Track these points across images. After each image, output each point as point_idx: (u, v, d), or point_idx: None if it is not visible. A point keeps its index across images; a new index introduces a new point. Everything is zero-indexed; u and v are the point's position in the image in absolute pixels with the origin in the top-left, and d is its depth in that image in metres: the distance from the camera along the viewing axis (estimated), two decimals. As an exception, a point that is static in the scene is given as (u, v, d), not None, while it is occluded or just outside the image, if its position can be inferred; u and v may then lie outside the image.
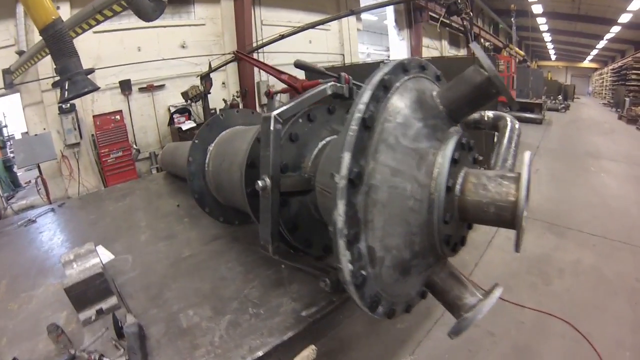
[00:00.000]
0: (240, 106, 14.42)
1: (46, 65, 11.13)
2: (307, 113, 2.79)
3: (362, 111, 1.66)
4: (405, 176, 1.77)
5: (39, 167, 10.94)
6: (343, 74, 3.13)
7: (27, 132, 12.11)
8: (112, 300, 3.19)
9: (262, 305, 3.07)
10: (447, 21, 22.94)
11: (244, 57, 7.95)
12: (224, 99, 14.28)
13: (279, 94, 9.67)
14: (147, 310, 3.24)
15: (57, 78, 4.78)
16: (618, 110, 22.66)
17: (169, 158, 8.89)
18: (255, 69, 14.70)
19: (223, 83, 14.97)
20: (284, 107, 2.48)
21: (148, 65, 13.30)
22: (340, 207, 1.60)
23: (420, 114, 1.92)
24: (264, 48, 14.14)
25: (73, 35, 7.87)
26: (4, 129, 15.56)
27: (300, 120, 2.77)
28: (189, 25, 14.29)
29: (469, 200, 1.82)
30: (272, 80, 15.80)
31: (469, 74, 1.93)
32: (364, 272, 1.68)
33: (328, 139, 2.85)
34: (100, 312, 3.05)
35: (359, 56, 19.32)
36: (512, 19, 22.04)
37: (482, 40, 24.12)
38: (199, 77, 12.73)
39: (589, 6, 23.81)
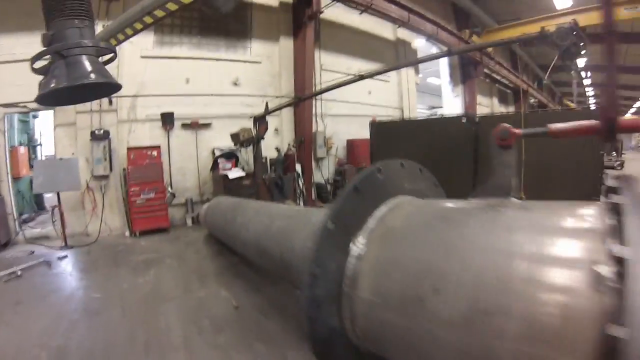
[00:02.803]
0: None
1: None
2: None
3: None
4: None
5: (58, 195, 8.97)
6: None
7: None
8: None
9: None
10: (498, 77, 21.06)
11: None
12: (276, 148, 11.98)
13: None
14: None
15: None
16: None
17: (220, 220, 6.39)
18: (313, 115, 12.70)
19: (276, 129, 12.64)
20: None
21: (195, 100, 11.28)
22: None
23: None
24: (322, 94, 12.07)
25: (114, 42, 5.79)
26: (39, 148, 13.60)
27: None
28: (244, 61, 12.23)
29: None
30: (330, 131, 13.65)
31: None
32: None
33: None
34: None
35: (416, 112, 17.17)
36: (573, 72, 19.80)
37: (529, 97, 22.13)
38: (251, 119, 10.52)
39: (635, 57, 21.20)
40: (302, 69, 12.30)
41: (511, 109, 24.12)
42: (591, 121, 2.67)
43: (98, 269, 5.66)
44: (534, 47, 20.12)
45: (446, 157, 8.89)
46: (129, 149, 10.06)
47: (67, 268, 5.86)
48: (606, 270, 1.50)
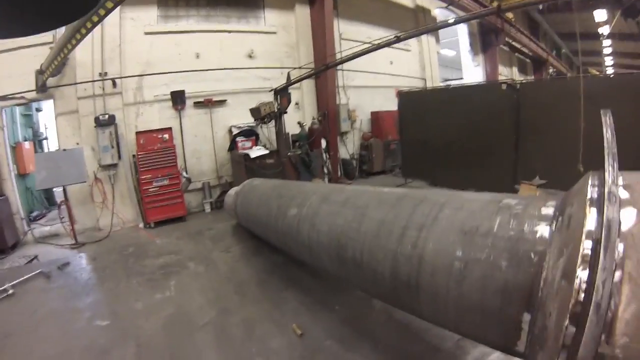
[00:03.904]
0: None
1: (85, 67, 8.43)
2: None
3: None
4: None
5: (64, 190, 7.85)
6: None
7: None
8: None
9: None
10: (518, 46, 19.44)
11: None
12: (299, 122, 10.50)
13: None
14: None
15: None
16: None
17: (260, 210, 4.74)
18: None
19: (297, 103, 11.07)
20: None
21: (207, 76, 9.72)
22: None
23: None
24: (343, 65, 10.60)
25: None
26: (45, 142, 12.30)
27: None
28: (258, 32, 10.61)
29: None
30: (353, 104, 12.18)
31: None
32: None
33: None
34: None
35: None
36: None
37: (549, 66, 20.48)
38: (269, 93, 9.05)
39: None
40: (322, 38, 10.69)
41: (530, 78, 22.37)
42: None
43: (105, 282, 4.29)
44: (559, 13, 18.41)
45: (484, 126, 8.12)
46: (137, 133, 8.75)
47: (69, 281, 4.50)
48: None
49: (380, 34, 12.10)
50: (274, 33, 10.89)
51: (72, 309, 3.70)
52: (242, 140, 9.28)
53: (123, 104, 8.91)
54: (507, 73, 20.18)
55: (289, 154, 9.28)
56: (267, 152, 8.73)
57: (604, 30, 20.17)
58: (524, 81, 8.90)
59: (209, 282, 4.10)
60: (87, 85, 8.42)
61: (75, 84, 8.36)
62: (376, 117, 12.68)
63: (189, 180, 9.14)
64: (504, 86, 7.82)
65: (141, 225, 8.66)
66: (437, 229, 2.19)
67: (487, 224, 2.03)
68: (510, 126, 7.64)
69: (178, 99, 9.39)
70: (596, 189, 1.58)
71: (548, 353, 1.55)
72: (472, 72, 18.46)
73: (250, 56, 10.40)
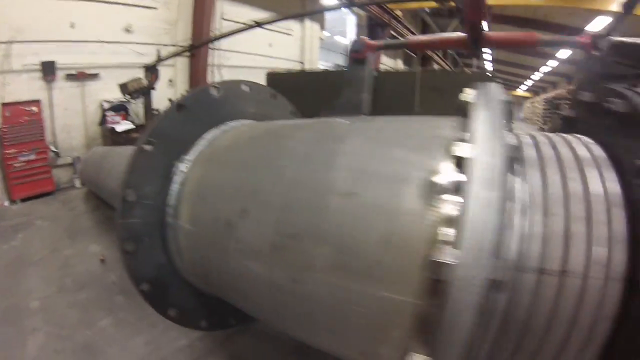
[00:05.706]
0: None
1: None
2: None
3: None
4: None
5: None
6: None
7: None
8: None
9: None
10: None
11: None
12: (170, 99, 10.98)
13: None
14: None
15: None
16: (555, 135, 22.41)
17: (93, 171, 5.69)
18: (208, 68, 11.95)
19: (170, 80, 11.65)
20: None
21: (81, 48, 9.82)
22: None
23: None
24: (220, 44, 11.34)
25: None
26: None
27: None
28: (138, 6, 10.86)
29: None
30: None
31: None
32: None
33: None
34: None
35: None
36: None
37: (433, 63, 22.94)
38: (143, 68, 9.57)
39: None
40: (201, 17, 11.35)
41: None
42: (458, 33, 2.91)
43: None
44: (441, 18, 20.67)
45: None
46: (3, 104, 8.62)
47: None
48: (444, 178, 1.18)
49: (262, 16, 12.91)
50: (155, 8, 11.22)
51: None
52: (111, 115, 9.72)
53: (-13, 72, 8.75)
54: (392, 64, 22.06)
55: (152, 128, 9.85)
56: (133, 126, 9.32)
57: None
58: (381, 70, 10.24)
59: (50, 232, 4.91)
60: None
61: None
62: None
63: (57, 154, 9.35)
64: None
65: (7, 203, 8.39)
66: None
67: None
68: (366, 108, 8.96)
69: (48, 69, 9.33)
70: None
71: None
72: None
73: (128, 30, 10.70)
